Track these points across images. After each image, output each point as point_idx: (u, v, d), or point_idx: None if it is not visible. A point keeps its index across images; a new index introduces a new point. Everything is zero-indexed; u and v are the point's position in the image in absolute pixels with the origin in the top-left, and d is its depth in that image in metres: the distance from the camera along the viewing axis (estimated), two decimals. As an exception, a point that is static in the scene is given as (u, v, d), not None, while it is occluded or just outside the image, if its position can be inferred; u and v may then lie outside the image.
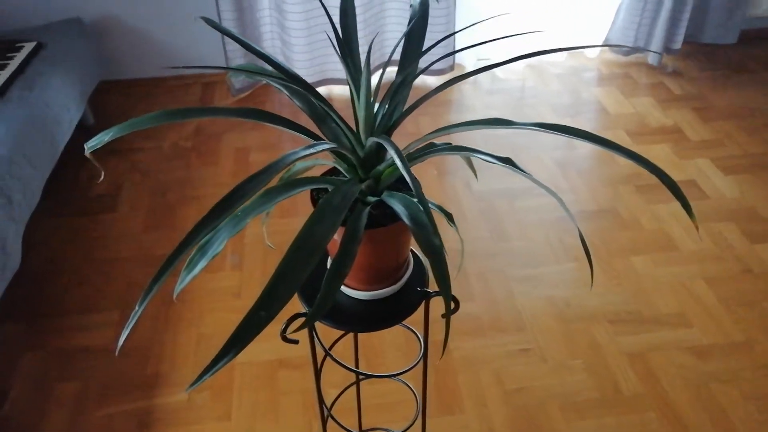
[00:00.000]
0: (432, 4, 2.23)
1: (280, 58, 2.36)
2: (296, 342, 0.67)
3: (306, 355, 1.44)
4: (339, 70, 2.32)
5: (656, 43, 2.40)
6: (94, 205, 1.89)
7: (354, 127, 0.60)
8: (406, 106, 0.59)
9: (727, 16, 2.44)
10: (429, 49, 0.58)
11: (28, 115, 1.64)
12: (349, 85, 0.57)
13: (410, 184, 0.46)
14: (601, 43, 2.55)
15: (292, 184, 0.53)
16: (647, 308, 1.52)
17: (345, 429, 0.90)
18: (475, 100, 2.34)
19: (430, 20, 2.25)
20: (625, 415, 1.30)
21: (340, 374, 1.38)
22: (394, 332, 1.48)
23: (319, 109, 0.61)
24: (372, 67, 2.46)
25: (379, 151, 0.59)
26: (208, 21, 0.65)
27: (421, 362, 0.79)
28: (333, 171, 0.66)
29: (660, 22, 2.36)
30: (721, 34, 2.49)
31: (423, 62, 2.19)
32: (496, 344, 1.45)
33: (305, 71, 2.29)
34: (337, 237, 0.64)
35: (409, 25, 0.61)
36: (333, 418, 0.85)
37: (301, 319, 0.67)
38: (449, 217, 0.57)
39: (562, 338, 1.46)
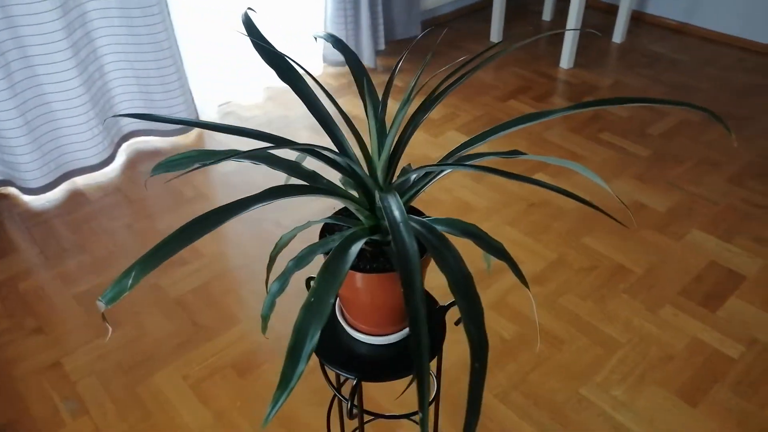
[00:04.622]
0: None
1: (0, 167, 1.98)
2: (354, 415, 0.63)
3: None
4: (84, 158, 2.04)
5: (367, 48, 2.69)
6: None
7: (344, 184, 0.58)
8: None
9: (407, 13, 2.85)
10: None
11: None
12: (339, 152, 0.55)
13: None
14: (321, 60, 2.74)
15: (334, 244, 0.50)
16: (468, 264, 1.74)
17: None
18: (237, 142, 2.30)
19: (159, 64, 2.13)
20: (522, 356, 1.47)
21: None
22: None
23: (310, 171, 0.58)
24: (124, 136, 2.22)
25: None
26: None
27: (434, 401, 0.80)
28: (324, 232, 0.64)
29: (363, 29, 2.64)
30: (409, 29, 2.90)
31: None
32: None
33: (39, 171, 1.96)
34: (360, 286, 0.62)
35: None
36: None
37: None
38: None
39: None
